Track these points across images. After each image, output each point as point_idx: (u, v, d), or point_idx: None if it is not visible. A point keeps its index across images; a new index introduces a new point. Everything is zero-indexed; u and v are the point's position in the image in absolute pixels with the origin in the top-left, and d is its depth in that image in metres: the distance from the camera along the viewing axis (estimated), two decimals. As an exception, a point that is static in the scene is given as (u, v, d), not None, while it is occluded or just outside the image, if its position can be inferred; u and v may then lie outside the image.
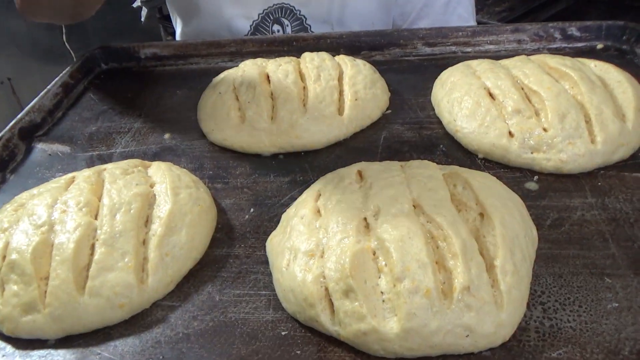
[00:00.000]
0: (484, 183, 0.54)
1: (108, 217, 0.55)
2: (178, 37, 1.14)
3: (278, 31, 1.05)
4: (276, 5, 0.98)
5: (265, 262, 0.56)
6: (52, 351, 0.49)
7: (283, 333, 0.48)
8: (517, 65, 0.72)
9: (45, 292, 0.50)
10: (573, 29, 0.88)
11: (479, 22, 1.76)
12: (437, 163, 0.66)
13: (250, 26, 1.03)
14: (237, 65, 0.93)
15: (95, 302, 0.50)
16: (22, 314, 0.50)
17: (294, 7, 0.98)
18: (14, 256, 0.52)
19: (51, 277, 0.51)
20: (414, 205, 0.51)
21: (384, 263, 0.46)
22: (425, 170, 0.56)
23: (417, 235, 0.46)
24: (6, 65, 2.48)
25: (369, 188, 0.54)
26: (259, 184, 0.67)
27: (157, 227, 0.55)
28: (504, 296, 0.45)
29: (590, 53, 0.86)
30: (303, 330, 0.48)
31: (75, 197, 0.57)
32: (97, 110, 0.88)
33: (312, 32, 1.05)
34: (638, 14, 1.83)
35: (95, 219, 0.56)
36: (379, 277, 0.46)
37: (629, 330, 0.45)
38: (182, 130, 0.80)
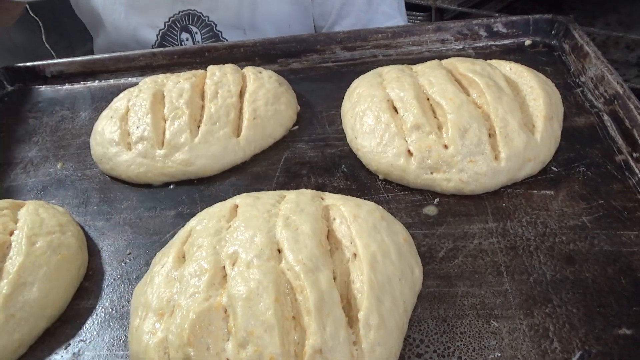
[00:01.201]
0: (362, 217, 0.48)
1: (-53, 276, 0.49)
2: (95, 51, 1.07)
3: (187, 39, 0.98)
4: (182, 12, 0.92)
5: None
6: None
7: (129, 405, 0.43)
8: (426, 72, 0.66)
9: None
10: (499, 25, 0.82)
11: (439, 8, 1.70)
12: (336, 187, 0.61)
13: (157, 35, 0.97)
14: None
15: None
16: None
17: (201, 13, 0.91)
18: None
19: None
20: (278, 249, 0.45)
21: (232, 324, 0.41)
22: (300, 204, 0.50)
23: (268, 290, 0.41)
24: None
25: (234, 229, 0.48)
26: (143, 220, 0.61)
27: (3, 285, 0.49)
28: (365, 356, 0.39)
29: (517, 51, 0.80)
30: (151, 401, 0.43)
31: None
32: (-7, 138, 0.82)
33: (225, 38, 0.98)
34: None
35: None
36: (227, 340, 0.40)
37: (511, 386, 0.40)
38: (76, 158, 0.74)
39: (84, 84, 0.92)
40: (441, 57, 0.79)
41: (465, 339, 0.43)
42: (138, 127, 0.68)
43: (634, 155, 0.57)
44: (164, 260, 0.49)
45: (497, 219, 0.54)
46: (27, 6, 2.29)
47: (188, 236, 0.51)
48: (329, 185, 0.61)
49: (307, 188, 0.59)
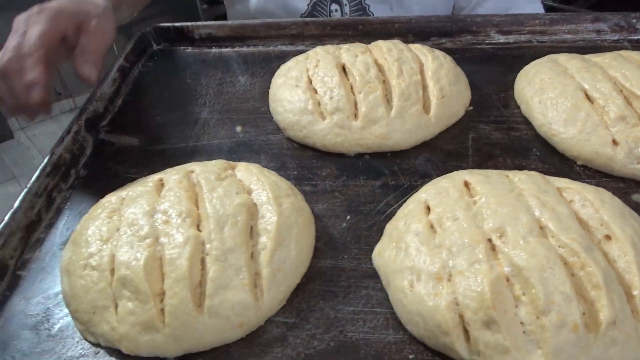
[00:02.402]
0: (608, 202, 0.52)
1: (216, 230, 0.53)
2: (229, 17, 1.08)
3: (336, 11, 1.00)
4: None
5: (373, 276, 0.55)
6: (173, 370, 0.49)
7: (410, 356, 0.48)
8: (613, 65, 0.69)
9: (162, 310, 0.49)
10: (656, 20, 0.84)
11: (548, 6, 1.70)
12: (533, 169, 0.65)
13: (308, 5, 0.99)
14: (298, 50, 0.90)
15: (214, 322, 0.49)
16: (141, 333, 0.49)
17: None
18: (123, 271, 0.50)
19: (168, 295, 0.49)
20: (540, 226, 0.49)
21: (521, 292, 0.45)
22: (539, 185, 0.54)
23: (557, 264, 0.45)
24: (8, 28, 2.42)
25: (484, 204, 0.52)
26: (350, 188, 0.65)
27: (265, 241, 0.54)
28: (645, 328, 0.44)
29: (672, 46, 0.83)
30: (431, 355, 0.48)
31: (174, 206, 0.55)
32: (157, 97, 0.85)
33: (371, 12, 1.00)
34: None
35: (197, 229, 0.54)
36: (516, 307, 0.45)
37: None
38: (253, 122, 0.78)
39: (232, 48, 0.94)
40: (596, 47, 0.82)
41: None
42: (332, 97, 0.71)
43: None
44: (415, 229, 0.53)
45: None
46: None
47: (427, 208, 0.55)
48: (526, 167, 0.65)
49: (503, 169, 0.63)
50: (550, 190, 0.53)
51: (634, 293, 0.46)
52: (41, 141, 2.64)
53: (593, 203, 0.52)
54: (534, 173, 0.58)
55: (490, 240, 0.49)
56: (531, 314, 0.44)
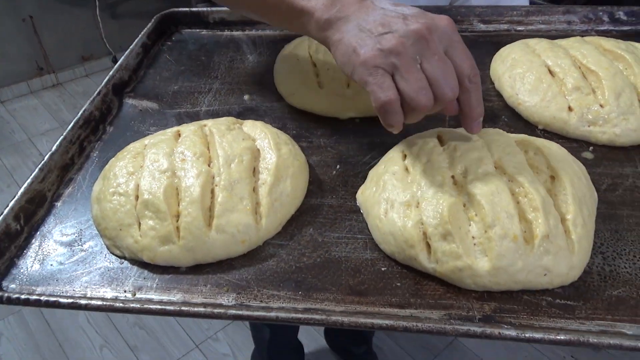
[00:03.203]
0: (553, 150, 0.62)
1: (224, 166, 0.63)
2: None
3: None
4: None
5: (356, 211, 0.65)
6: (184, 276, 0.59)
7: (383, 269, 0.58)
8: (575, 46, 0.79)
9: (178, 227, 0.59)
10: (621, 13, 0.94)
11: None
12: (501, 132, 0.75)
13: None
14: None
15: (221, 238, 0.59)
16: (159, 245, 0.59)
17: None
18: (146, 196, 0.61)
19: (183, 214, 0.59)
20: (495, 166, 0.59)
21: (474, 213, 0.55)
22: (501, 137, 0.64)
23: (504, 191, 0.55)
24: (28, 2, 2.52)
25: (453, 150, 0.62)
26: (341, 144, 0.75)
27: (266, 177, 0.64)
28: (575, 244, 0.54)
29: (636, 36, 0.93)
30: (400, 268, 0.58)
31: (190, 148, 0.66)
32: (175, 70, 0.95)
33: None
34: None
35: (209, 166, 0.64)
36: (470, 225, 0.55)
37: (675, 276, 0.54)
38: (259, 92, 0.88)
39: (243, 31, 1.05)
40: (567, 36, 0.92)
41: (636, 245, 0.58)
42: (328, 69, 0.81)
43: None
44: (393, 169, 0.63)
45: (644, 166, 0.68)
46: None
47: (403, 155, 0.65)
48: (495, 131, 0.75)
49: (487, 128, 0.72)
50: (507, 141, 0.63)
51: (567, 217, 0.55)
52: (22, 115, 2.66)
53: (542, 150, 0.62)
54: (497, 129, 0.67)
55: (453, 176, 0.59)
56: (481, 229, 0.54)
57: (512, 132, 0.74)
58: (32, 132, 2.64)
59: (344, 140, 0.76)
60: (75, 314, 1.97)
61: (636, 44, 0.81)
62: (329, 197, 0.67)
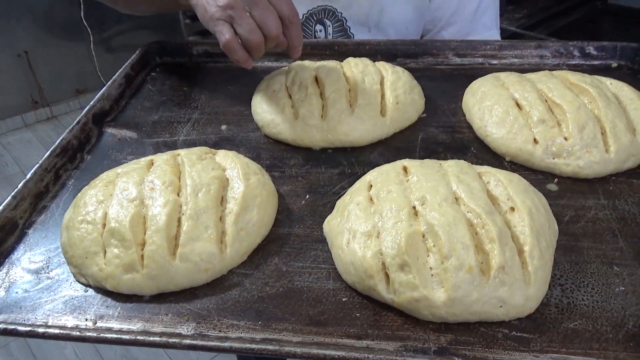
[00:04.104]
0: (514, 181, 0.63)
1: (192, 195, 0.64)
2: None
3: (320, 31, 1.13)
4: (320, 6, 1.07)
5: (322, 241, 0.65)
6: (147, 305, 0.59)
7: (344, 299, 0.58)
8: (542, 80, 0.81)
9: (142, 256, 0.60)
10: (591, 48, 0.97)
11: (511, 32, 1.86)
12: (470, 163, 0.76)
13: None
14: (282, 65, 1.03)
15: (184, 266, 0.60)
16: (123, 273, 0.59)
17: (336, 9, 1.07)
18: (113, 224, 0.61)
19: (147, 243, 0.60)
20: (455, 197, 0.60)
21: (432, 244, 0.56)
22: (463, 169, 0.65)
23: (461, 222, 0.56)
24: (23, 38, 2.57)
25: (416, 181, 0.63)
26: (312, 174, 0.77)
27: (232, 206, 0.65)
28: (531, 276, 0.54)
29: (605, 70, 0.96)
30: (360, 298, 0.58)
31: (160, 177, 0.67)
32: (156, 100, 0.97)
33: (352, 33, 1.14)
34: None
35: (177, 196, 0.65)
36: (428, 256, 0.55)
37: (633, 309, 0.55)
38: (237, 122, 0.90)
39: (225, 63, 1.07)
40: (539, 70, 0.94)
41: (595, 277, 0.58)
42: (303, 101, 0.83)
43: None
44: (357, 200, 0.64)
45: (607, 197, 0.69)
46: None
47: (369, 186, 0.66)
48: (463, 162, 0.76)
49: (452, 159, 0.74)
50: (470, 172, 0.64)
51: (525, 249, 0.56)
52: (16, 148, 2.67)
53: (503, 182, 0.63)
54: (462, 161, 0.69)
55: (414, 207, 0.60)
56: (438, 260, 0.54)
57: (479, 163, 0.76)
58: (25, 165, 2.65)
59: (315, 170, 0.77)
60: (62, 345, 1.95)
61: (602, 78, 0.83)
62: (296, 227, 0.68)
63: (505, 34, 1.84)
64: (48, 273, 0.64)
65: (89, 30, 2.60)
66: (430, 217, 0.57)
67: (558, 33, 1.89)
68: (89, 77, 2.67)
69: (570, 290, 0.57)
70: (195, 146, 0.84)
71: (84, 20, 2.57)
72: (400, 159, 0.75)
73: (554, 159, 0.72)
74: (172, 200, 0.63)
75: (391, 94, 0.85)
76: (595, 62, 0.97)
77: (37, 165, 0.75)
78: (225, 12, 0.72)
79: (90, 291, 0.61)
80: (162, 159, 0.71)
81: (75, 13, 2.55)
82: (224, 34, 0.72)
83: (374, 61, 0.95)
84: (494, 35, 1.18)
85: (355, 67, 0.89)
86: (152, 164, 0.72)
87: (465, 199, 0.59)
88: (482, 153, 0.78)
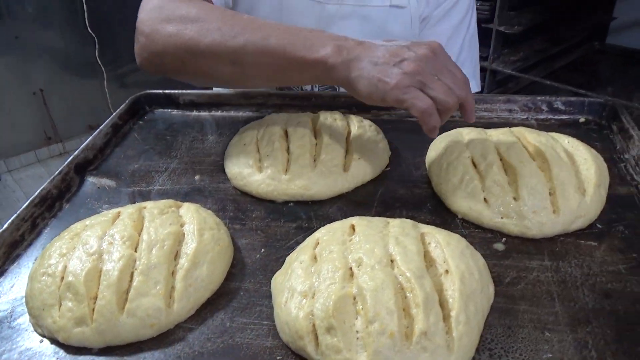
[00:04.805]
0: (453, 244, 0.65)
1: (146, 251, 0.68)
2: None
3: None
4: None
5: (270, 296, 0.68)
6: (96, 358, 0.62)
7: (278, 358, 0.60)
8: (500, 138, 0.83)
9: (94, 310, 0.64)
10: (559, 103, 0.99)
11: (494, 71, 1.89)
12: (423, 219, 0.78)
13: None
14: (262, 115, 1.07)
15: (131, 321, 0.63)
16: (74, 326, 0.63)
17: None
18: (70, 278, 0.65)
19: (99, 297, 0.64)
20: (391, 260, 0.62)
21: (361, 307, 0.58)
22: (404, 230, 0.67)
23: (389, 286, 0.58)
24: (39, 76, 2.69)
25: (356, 241, 0.66)
26: (271, 228, 0.80)
27: (184, 262, 0.68)
28: (455, 342, 0.56)
29: (573, 125, 0.97)
30: (294, 357, 0.60)
31: (120, 232, 0.71)
32: (139, 149, 1.03)
33: (336, 87, 1.18)
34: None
35: (135, 251, 0.69)
36: (356, 319, 0.57)
37: (558, 377, 0.55)
38: (210, 173, 0.94)
39: (209, 112, 1.13)
40: (508, 123, 0.97)
41: (525, 342, 0.59)
42: (269, 155, 0.87)
43: (664, 222, 0.72)
44: (301, 258, 0.66)
45: (551, 259, 0.69)
46: (86, 22, 2.53)
47: (317, 243, 0.69)
48: (417, 218, 0.78)
49: (400, 218, 0.76)
50: (411, 233, 0.66)
51: (451, 314, 0.57)
52: (28, 184, 2.73)
53: (441, 244, 0.65)
54: (408, 220, 0.71)
55: (351, 268, 0.62)
56: (364, 324, 0.56)
57: (433, 220, 0.78)
58: (35, 201, 2.69)
59: (274, 224, 0.80)
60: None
61: (560, 136, 0.84)
62: (247, 281, 0.71)
63: (500, 77, 1.87)
64: (10, 322, 0.68)
65: (102, 68, 2.72)
66: (362, 280, 0.59)
67: (555, 74, 1.90)
68: (102, 113, 2.78)
69: (498, 355, 0.58)
70: (168, 196, 0.89)
71: (98, 59, 2.71)
72: (357, 214, 0.77)
73: (502, 218, 0.74)
74: (127, 256, 0.67)
75: (354, 149, 0.88)
76: (564, 117, 0.99)
77: (15, 214, 0.81)
78: (414, 78, 0.69)
79: (45, 342, 0.65)
80: (127, 212, 0.75)
81: (90, 52, 2.68)
82: (421, 100, 0.69)
83: (350, 113, 0.99)
84: (472, 86, 1.20)
85: (324, 121, 0.93)
86: (119, 216, 0.76)
87: (399, 261, 0.62)
88: (437, 209, 0.80)
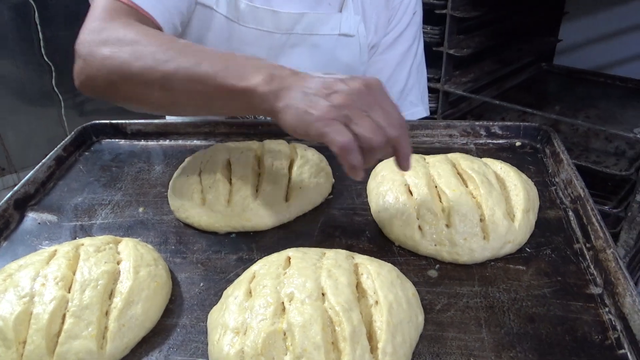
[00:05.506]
0: (384, 274, 0.67)
1: (79, 291, 0.67)
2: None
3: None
4: None
5: (206, 332, 0.68)
6: (24, 404, 0.61)
7: (210, 396, 0.60)
8: (436, 165, 0.86)
9: (22, 354, 0.63)
10: (496, 128, 1.02)
11: (447, 92, 1.94)
12: (361, 248, 0.80)
13: None
14: (210, 144, 1.08)
15: (61, 365, 0.62)
16: (1, 373, 0.62)
17: None
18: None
19: (28, 342, 0.63)
20: (322, 293, 0.63)
21: (289, 343, 0.59)
22: (338, 261, 0.68)
23: (317, 321, 0.59)
24: None
25: (290, 275, 0.67)
26: (211, 261, 0.80)
27: (118, 301, 0.68)
28: (381, 374, 0.57)
29: (510, 149, 1.01)
30: (226, 394, 0.60)
31: (54, 272, 0.70)
32: (84, 181, 1.02)
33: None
34: (592, 83, 2.02)
35: (69, 292, 0.68)
36: (286, 354, 0.58)
37: (481, 404, 0.57)
38: (154, 204, 0.94)
39: (157, 142, 1.13)
40: (448, 148, 1.00)
41: (452, 370, 0.61)
42: (210, 187, 0.88)
43: (587, 245, 0.76)
44: (236, 294, 0.67)
45: (481, 284, 0.72)
46: (42, 50, 2.49)
47: (253, 277, 0.69)
48: (356, 247, 0.80)
49: (339, 247, 0.77)
50: (344, 265, 0.68)
51: (379, 345, 0.59)
52: None
53: (372, 275, 0.66)
54: (343, 251, 0.72)
55: (283, 303, 0.63)
56: (293, 359, 0.57)
57: (370, 248, 0.79)
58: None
59: (215, 257, 0.81)
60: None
61: (494, 162, 0.88)
62: (184, 317, 0.71)
63: (452, 98, 1.92)
64: (-63, 369, 0.66)
65: (59, 96, 2.68)
66: (292, 316, 0.60)
67: (506, 94, 1.97)
68: (59, 142, 2.72)
69: (425, 384, 0.60)
70: (110, 230, 0.88)
71: (55, 88, 2.67)
72: (297, 244, 0.78)
73: (435, 245, 0.76)
74: (59, 297, 0.66)
75: (296, 178, 0.89)
76: (501, 141, 1.03)
77: (-53, 256, 0.79)
78: (341, 111, 0.64)
79: (-27, 389, 0.63)
80: (63, 251, 0.75)
81: (47, 80, 2.64)
82: (341, 135, 0.63)
83: (296, 140, 1.01)
84: (420, 111, 1.24)
85: (269, 149, 0.94)
86: (55, 254, 0.75)
87: (329, 295, 0.63)
88: (375, 237, 0.82)
